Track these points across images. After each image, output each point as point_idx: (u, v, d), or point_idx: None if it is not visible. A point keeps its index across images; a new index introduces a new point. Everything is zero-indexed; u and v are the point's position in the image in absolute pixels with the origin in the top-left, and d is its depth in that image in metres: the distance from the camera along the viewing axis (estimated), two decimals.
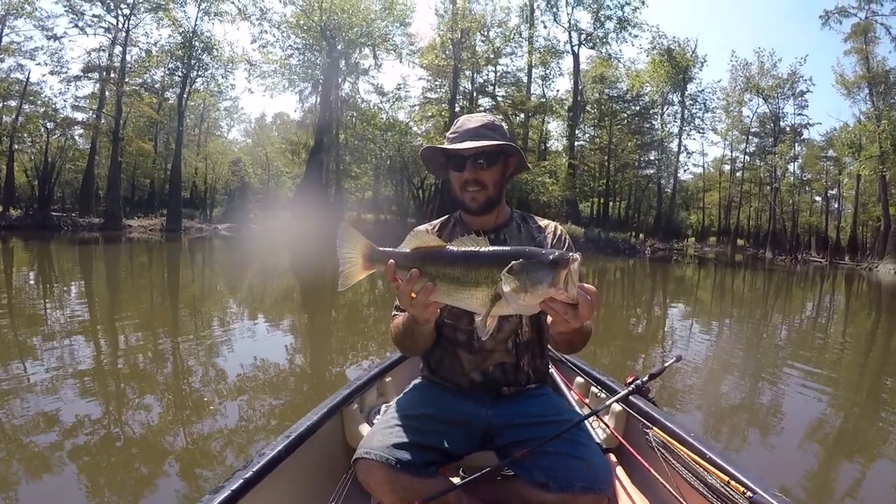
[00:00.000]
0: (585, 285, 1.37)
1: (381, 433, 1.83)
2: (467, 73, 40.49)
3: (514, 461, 1.81)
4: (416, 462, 1.73)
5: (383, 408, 2.40)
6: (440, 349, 2.04)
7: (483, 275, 1.36)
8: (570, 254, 1.30)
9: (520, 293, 1.28)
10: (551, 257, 1.29)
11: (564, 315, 1.35)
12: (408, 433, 1.80)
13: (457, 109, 39.51)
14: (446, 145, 1.96)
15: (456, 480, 1.96)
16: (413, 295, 1.48)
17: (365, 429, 2.32)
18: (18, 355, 6.13)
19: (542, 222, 2.11)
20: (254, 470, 1.68)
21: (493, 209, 2.02)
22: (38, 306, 9.47)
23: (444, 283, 1.42)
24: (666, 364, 2.40)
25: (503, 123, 2.13)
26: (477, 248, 1.41)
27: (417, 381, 2.18)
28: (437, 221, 2.18)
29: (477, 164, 1.92)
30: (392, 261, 1.48)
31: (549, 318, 1.51)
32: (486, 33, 39.97)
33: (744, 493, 1.61)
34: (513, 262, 1.30)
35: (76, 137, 40.67)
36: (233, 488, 1.58)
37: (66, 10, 33.49)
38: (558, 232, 2.07)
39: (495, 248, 1.42)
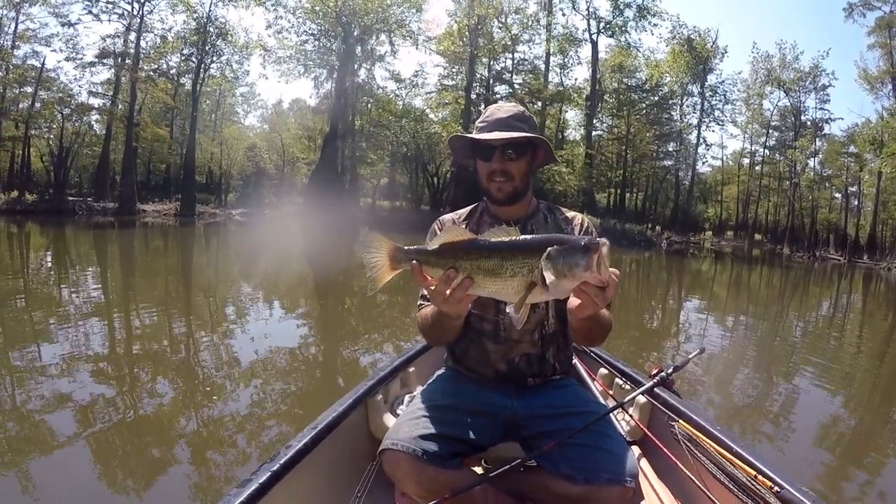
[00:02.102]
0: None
1: (406, 424, 1.83)
2: (484, 60, 40.22)
3: (540, 453, 1.80)
4: (441, 453, 1.72)
5: (407, 398, 2.47)
6: (465, 339, 2.03)
7: (520, 264, 1.37)
8: (599, 238, 1.33)
9: (560, 278, 1.30)
10: (583, 242, 1.31)
11: (595, 297, 1.37)
12: (433, 424, 1.80)
13: (473, 97, 39.42)
14: (475, 134, 1.93)
15: (479, 471, 2.00)
16: (448, 292, 1.45)
17: (389, 419, 2.31)
18: (34, 338, 6.11)
19: (569, 214, 2.11)
20: (280, 462, 1.67)
21: (520, 200, 2.01)
22: (53, 290, 9.50)
23: (479, 275, 1.42)
24: (690, 356, 2.35)
25: (532, 115, 2.04)
26: (509, 238, 1.41)
27: (441, 371, 2.18)
28: (463, 210, 2.17)
29: (505, 155, 1.91)
30: (415, 262, 1.49)
31: (574, 305, 1.51)
32: (503, 20, 39.65)
33: (771, 489, 1.58)
34: (549, 248, 1.31)
35: (92, 123, 40.96)
36: (260, 481, 1.57)
37: None
38: (585, 223, 2.07)
39: (528, 236, 1.43)
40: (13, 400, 4.31)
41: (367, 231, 1.56)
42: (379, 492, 2.06)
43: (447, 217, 2.15)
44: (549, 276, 1.30)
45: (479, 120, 1.98)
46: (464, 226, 2.03)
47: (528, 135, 1.90)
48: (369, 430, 2.35)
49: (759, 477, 1.64)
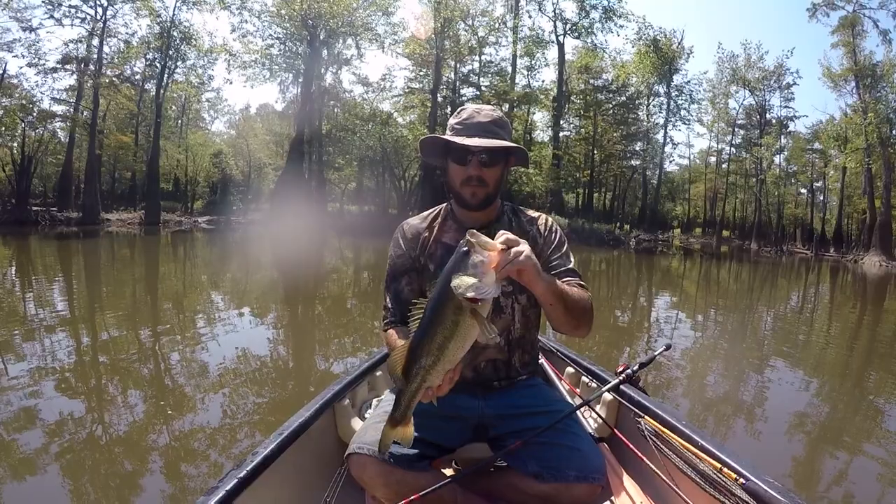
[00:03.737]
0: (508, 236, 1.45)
1: (373, 427, 1.82)
2: (450, 62, 40.20)
3: (508, 452, 1.82)
4: (409, 456, 1.75)
5: (374, 402, 2.45)
6: None
7: (452, 312, 1.35)
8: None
9: (478, 280, 1.31)
10: (462, 249, 1.36)
11: (512, 267, 1.40)
12: None
13: (440, 99, 39.32)
14: (451, 137, 1.90)
15: (448, 472, 2.02)
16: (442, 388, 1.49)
17: (357, 423, 2.32)
18: None
19: (533, 214, 2.11)
20: (248, 469, 1.67)
21: (490, 205, 2.00)
22: (17, 303, 9.27)
23: (444, 355, 1.39)
24: (656, 353, 2.37)
25: (508, 119, 2.06)
26: (422, 308, 1.41)
27: None
28: (426, 213, 2.14)
29: (481, 161, 1.89)
30: (409, 427, 1.53)
31: (537, 295, 1.64)
32: (469, 22, 39.67)
33: (736, 480, 1.61)
34: (452, 281, 1.32)
35: (57, 130, 40.21)
36: (227, 488, 1.56)
37: (42, 2, 32.92)
38: (549, 223, 2.07)
39: (432, 293, 1.41)
40: None
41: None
42: (348, 496, 2.08)
43: (410, 223, 2.12)
44: (470, 291, 1.30)
45: (455, 120, 1.95)
46: (426, 230, 2.05)
47: (510, 145, 1.90)
48: (337, 434, 2.36)
49: (725, 469, 1.67)
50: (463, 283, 1.31)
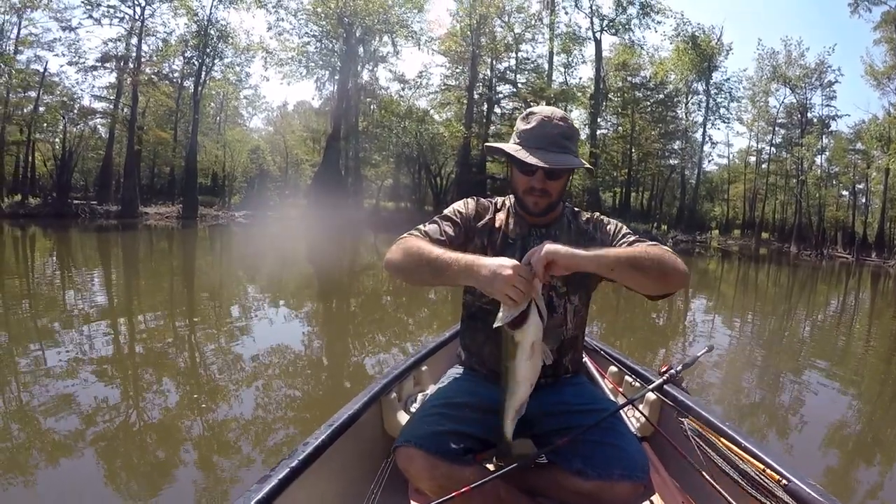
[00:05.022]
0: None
1: (420, 421, 1.87)
2: (486, 59, 40.05)
3: (554, 449, 1.83)
4: (454, 450, 1.76)
5: (420, 396, 2.50)
6: (481, 337, 2.06)
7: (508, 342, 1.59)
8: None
9: (504, 311, 1.53)
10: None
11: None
12: (446, 421, 1.84)
13: (476, 96, 39.26)
14: (516, 147, 1.88)
15: (491, 467, 2.00)
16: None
17: (403, 417, 2.35)
18: (40, 341, 6.14)
19: (588, 215, 2.11)
20: (299, 458, 1.70)
21: (552, 212, 2.01)
22: (58, 294, 9.51)
23: (508, 377, 1.64)
24: (699, 354, 2.34)
25: (576, 125, 2.02)
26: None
27: (454, 369, 2.20)
28: (497, 199, 2.14)
29: (546, 173, 1.87)
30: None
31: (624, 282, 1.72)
32: (505, 19, 39.51)
33: (779, 482, 1.61)
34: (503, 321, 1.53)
35: (97, 126, 41.08)
36: (280, 477, 1.60)
37: (81, 2, 33.65)
38: (605, 218, 2.09)
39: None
40: (19, 404, 4.30)
41: None
42: (394, 488, 2.12)
43: (482, 201, 2.11)
44: (498, 322, 1.52)
45: (523, 127, 1.90)
46: (493, 214, 2.06)
47: (575, 164, 1.88)
48: (384, 427, 2.39)
49: (767, 471, 1.67)
50: (497, 318, 1.52)
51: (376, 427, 2.37)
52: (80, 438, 3.66)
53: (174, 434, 3.91)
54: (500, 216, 2.06)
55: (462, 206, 2.07)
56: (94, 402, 4.29)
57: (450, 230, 1.97)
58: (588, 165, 1.97)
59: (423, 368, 2.80)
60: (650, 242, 1.86)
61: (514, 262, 1.52)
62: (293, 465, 1.66)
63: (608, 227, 2.03)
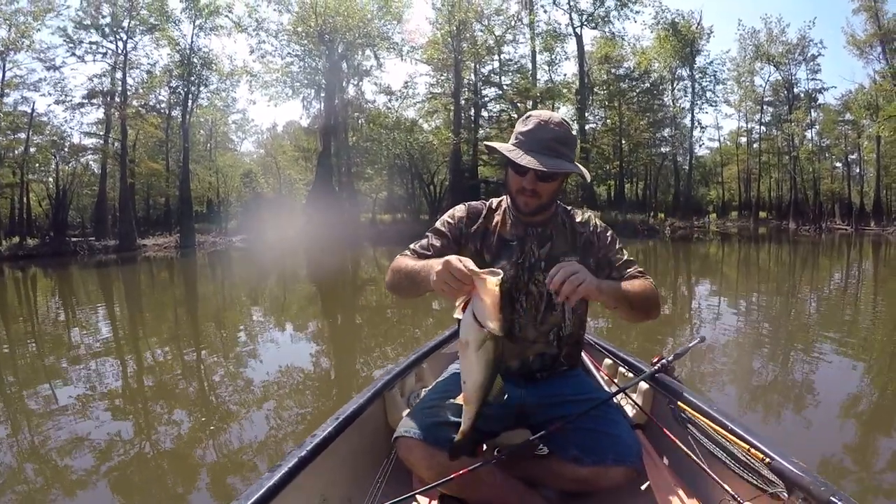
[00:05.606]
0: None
1: (419, 413, 1.98)
2: (469, 64, 40.16)
3: (548, 437, 1.90)
4: (452, 439, 1.79)
5: (421, 392, 2.55)
6: None
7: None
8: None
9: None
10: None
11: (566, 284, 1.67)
12: (445, 413, 1.91)
13: (462, 102, 39.32)
14: (512, 148, 1.94)
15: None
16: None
17: (405, 411, 2.39)
18: (48, 380, 6.22)
19: (581, 217, 2.19)
20: (307, 449, 1.80)
21: (542, 213, 2.08)
22: (62, 332, 9.61)
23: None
24: (690, 345, 2.49)
25: (573, 128, 2.09)
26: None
27: (454, 365, 2.28)
28: (490, 201, 2.22)
29: (538, 175, 1.93)
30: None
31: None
32: (485, 23, 39.61)
33: (763, 460, 1.69)
34: None
35: (90, 162, 41.09)
36: (289, 466, 1.69)
37: (63, 41, 33.73)
38: (600, 224, 2.17)
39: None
40: (32, 442, 4.35)
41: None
42: (398, 479, 2.19)
43: (474, 205, 2.19)
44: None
45: (521, 129, 1.96)
46: (486, 218, 2.14)
47: (567, 169, 1.94)
48: (387, 421, 2.49)
49: (752, 451, 1.74)
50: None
51: (380, 421, 2.47)
52: (95, 473, 3.71)
53: (188, 461, 3.96)
54: (497, 217, 2.14)
55: (450, 216, 2.15)
56: (107, 437, 4.33)
57: (437, 242, 2.07)
58: (582, 170, 2.02)
59: (424, 365, 2.92)
60: (637, 268, 2.07)
61: (450, 258, 1.56)
62: (302, 454, 1.76)
63: (604, 237, 2.13)
